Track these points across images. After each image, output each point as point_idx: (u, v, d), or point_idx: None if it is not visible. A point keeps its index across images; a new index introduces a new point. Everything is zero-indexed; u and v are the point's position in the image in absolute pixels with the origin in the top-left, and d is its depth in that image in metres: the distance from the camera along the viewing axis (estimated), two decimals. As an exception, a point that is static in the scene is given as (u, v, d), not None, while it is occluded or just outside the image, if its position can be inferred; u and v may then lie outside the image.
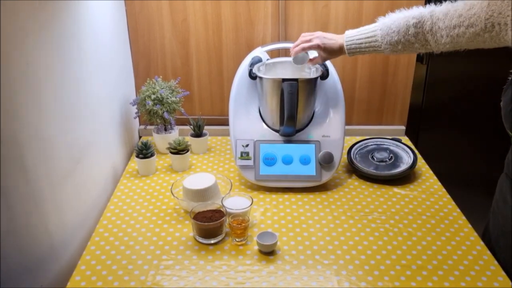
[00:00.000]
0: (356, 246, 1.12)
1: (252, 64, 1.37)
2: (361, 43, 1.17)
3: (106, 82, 1.37)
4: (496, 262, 1.06)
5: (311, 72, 1.38)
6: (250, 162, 1.34)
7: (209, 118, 1.67)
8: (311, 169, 1.34)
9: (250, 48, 1.55)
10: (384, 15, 1.54)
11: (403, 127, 1.72)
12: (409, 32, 1.09)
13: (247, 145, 1.36)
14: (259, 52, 1.43)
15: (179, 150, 1.44)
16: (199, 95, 1.68)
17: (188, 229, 1.18)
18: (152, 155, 1.43)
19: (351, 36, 1.19)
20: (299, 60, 1.28)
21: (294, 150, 1.35)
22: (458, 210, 1.27)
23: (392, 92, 1.67)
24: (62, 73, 1.07)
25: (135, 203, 1.29)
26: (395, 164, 1.43)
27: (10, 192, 0.87)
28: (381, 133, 1.68)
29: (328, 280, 1.02)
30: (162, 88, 1.50)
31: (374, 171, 1.40)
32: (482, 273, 1.03)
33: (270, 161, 1.34)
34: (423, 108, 1.81)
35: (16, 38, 0.87)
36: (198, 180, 1.26)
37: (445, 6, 1.05)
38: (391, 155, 1.46)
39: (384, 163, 1.43)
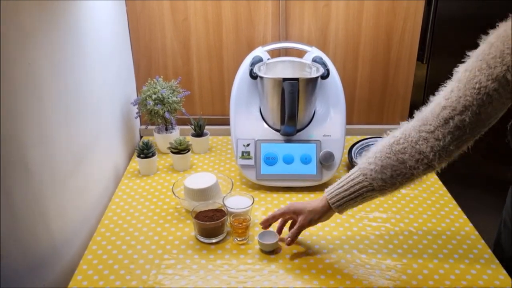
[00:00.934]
0: (357, 245, 1.12)
1: (253, 64, 1.37)
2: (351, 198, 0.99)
3: (107, 82, 1.38)
4: (497, 261, 1.06)
5: (312, 71, 1.38)
6: (251, 162, 1.35)
7: (210, 118, 1.67)
8: (312, 169, 1.34)
9: (250, 48, 1.55)
10: (384, 15, 1.55)
11: (404, 127, 1.72)
12: (394, 150, 0.92)
13: (248, 145, 1.36)
14: (260, 51, 1.44)
15: (180, 150, 1.45)
16: (200, 95, 1.69)
17: (189, 229, 1.18)
18: (153, 155, 1.43)
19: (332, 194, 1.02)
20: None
21: (295, 149, 1.35)
22: (459, 209, 1.27)
23: (392, 91, 1.67)
24: (63, 73, 1.07)
25: (136, 203, 1.30)
26: (395, 163, 1.43)
27: (12, 192, 0.87)
28: (381, 133, 1.66)
29: (329, 279, 1.02)
30: (163, 88, 1.50)
31: (375, 170, 1.40)
32: (483, 271, 1.03)
33: (271, 160, 1.34)
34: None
35: (18, 38, 0.88)
36: (200, 179, 1.26)
37: (416, 119, 0.92)
38: (391, 154, 1.46)
39: (384, 163, 1.43)
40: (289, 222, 1.13)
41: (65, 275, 1.07)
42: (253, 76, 1.36)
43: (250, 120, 1.39)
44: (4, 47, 0.82)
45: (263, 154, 1.35)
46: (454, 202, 1.30)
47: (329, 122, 1.38)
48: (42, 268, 0.99)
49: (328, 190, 1.04)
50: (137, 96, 1.63)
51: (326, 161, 1.33)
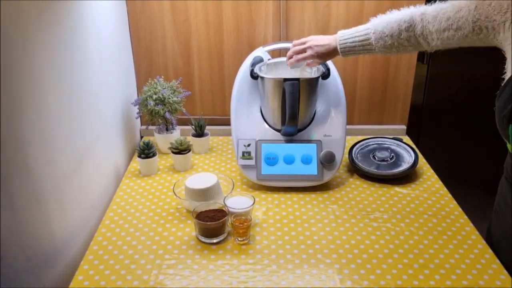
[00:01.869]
0: (358, 245, 1.12)
1: (253, 64, 1.37)
2: (355, 46, 1.19)
3: (108, 82, 1.38)
4: (498, 261, 1.07)
5: (313, 72, 1.38)
6: (252, 162, 1.35)
7: (210, 118, 1.67)
8: (312, 169, 1.34)
9: (251, 48, 1.56)
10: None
11: (404, 127, 1.72)
12: (402, 36, 1.11)
13: (248, 145, 1.36)
14: (261, 52, 1.44)
15: (180, 150, 1.45)
16: (200, 95, 1.69)
17: (190, 229, 1.18)
18: (154, 155, 1.44)
19: (344, 38, 1.20)
20: (296, 66, 1.30)
21: (296, 149, 1.35)
22: (460, 209, 1.27)
23: (393, 91, 1.67)
24: (65, 73, 1.07)
25: (137, 203, 1.30)
26: (396, 164, 1.43)
27: (13, 192, 0.87)
28: (382, 133, 1.68)
29: (330, 279, 1.02)
30: (163, 88, 1.50)
31: (376, 170, 1.40)
32: (484, 272, 1.04)
33: (271, 160, 1.34)
34: (424, 107, 1.82)
35: (20, 39, 0.88)
36: (200, 179, 1.26)
37: (435, 7, 1.07)
38: (392, 154, 1.46)
39: (385, 163, 1.43)
40: None
41: (66, 275, 1.07)
42: (254, 76, 1.36)
43: (250, 120, 1.39)
44: (5, 47, 0.82)
45: (263, 154, 1.35)
46: (454, 202, 1.30)
47: (330, 122, 1.38)
48: (43, 268, 0.99)
49: (342, 41, 1.20)
50: (138, 96, 1.63)
51: (327, 161, 1.33)
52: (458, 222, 1.21)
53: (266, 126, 1.39)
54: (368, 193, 1.34)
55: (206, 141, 1.58)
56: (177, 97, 1.51)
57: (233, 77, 1.47)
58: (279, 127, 1.37)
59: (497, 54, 1.17)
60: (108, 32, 1.38)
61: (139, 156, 1.42)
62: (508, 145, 0.99)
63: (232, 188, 1.28)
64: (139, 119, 1.66)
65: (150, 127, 1.59)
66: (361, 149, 1.51)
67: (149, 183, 1.40)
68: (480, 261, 1.07)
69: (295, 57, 1.27)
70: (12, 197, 0.87)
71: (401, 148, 1.50)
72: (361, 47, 1.18)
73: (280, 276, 1.03)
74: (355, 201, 1.31)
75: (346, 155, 1.48)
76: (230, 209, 1.16)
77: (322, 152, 1.34)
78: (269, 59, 1.43)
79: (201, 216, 1.14)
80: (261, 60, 1.40)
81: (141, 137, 1.72)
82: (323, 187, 1.37)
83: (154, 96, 1.48)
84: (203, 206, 1.17)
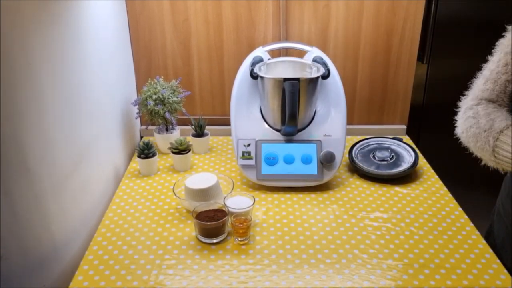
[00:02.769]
0: (358, 245, 1.12)
1: (253, 64, 1.37)
2: None
3: (107, 82, 1.37)
4: (498, 261, 1.06)
5: (313, 71, 1.38)
6: (252, 162, 1.34)
7: (210, 118, 1.67)
8: (312, 169, 1.34)
9: (251, 48, 1.55)
10: (384, 15, 1.55)
11: (404, 127, 1.72)
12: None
13: (248, 145, 1.36)
14: (260, 52, 1.44)
15: (180, 150, 1.44)
16: (200, 95, 1.69)
17: (190, 229, 1.18)
18: (153, 155, 1.43)
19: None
20: None
21: (296, 149, 1.35)
22: (460, 209, 1.27)
23: (393, 91, 1.67)
24: (64, 73, 1.07)
25: (137, 203, 1.30)
26: (396, 163, 1.43)
27: (12, 193, 0.87)
28: (382, 133, 1.68)
29: (330, 279, 1.02)
30: (163, 88, 1.50)
31: (376, 170, 1.40)
32: (484, 271, 1.03)
33: (271, 160, 1.34)
34: (424, 107, 1.81)
35: (18, 38, 0.87)
36: (200, 179, 1.26)
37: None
38: (392, 154, 1.46)
39: (385, 162, 1.43)
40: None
41: (66, 275, 1.07)
42: (254, 76, 1.35)
43: (250, 120, 1.39)
44: (4, 47, 0.82)
45: (263, 154, 1.35)
46: (454, 202, 1.30)
47: (330, 122, 1.38)
48: (42, 269, 0.99)
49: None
50: (137, 96, 1.63)
51: (326, 161, 1.33)
52: (458, 222, 1.21)
53: (266, 126, 1.39)
54: (368, 193, 1.34)
55: (206, 141, 1.58)
56: (177, 97, 1.51)
57: (232, 77, 1.47)
58: (279, 127, 1.37)
59: (497, 54, 1.17)
60: (107, 32, 1.38)
61: (139, 156, 1.42)
62: None
63: (232, 188, 1.28)
64: (138, 119, 1.66)
65: (150, 127, 1.59)
66: (361, 149, 1.51)
67: (148, 183, 1.40)
68: (481, 261, 1.07)
69: None
70: (12, 197, 0.87)
71: (401, 148, 1.50)
72: None
73: (280, 276, 1.03)
74: (355, 201, 1.31)
75: (346, 155, 1.48)
76: (230, 209, 1.16)
77: (322, 152, 1.34)
78: (269, 59, 1.43)
79: (201, 216, 1.14)
80: (261, 60, 1.39)
81: (141, 137, 1.72)
82: (323, 187, 1.36)
83: (154, 96, 1.48)
84: (203, 206, 1.17)
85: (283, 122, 1.33)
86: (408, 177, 1.41)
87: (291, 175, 1.34)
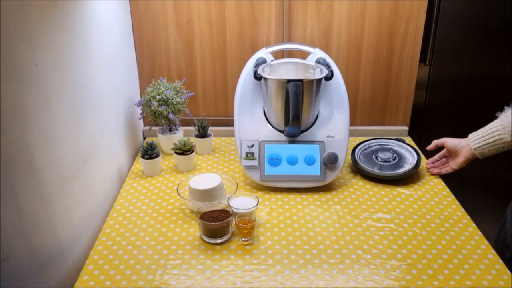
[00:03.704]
0: (362, 246, 1.13)
1: (256, 65, 1.38)
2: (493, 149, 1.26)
3: (112, 83, 1.38)
4: (501, 261, 1.07)
5: (316, 73, 1.39)
6: (255, 163, 1.35)
7: (213, 119, 1.68)
8: (315, 170, 1.34)
9: (254, 49, 1.56)
10: (387, 16, 1.55)
11: (406, 128, 1.73)
12: None
13: (252, 146, 1.36)
14: (264, 53, 1.44)
15: (184, 150, 1.45)
16: (203, 96, 1.69)
17: (194, 229, 1.19)
18: (157, 155, 1.44)
19: (479, 146, 1.28)
20: None
21: (299, 150, 1.36)
22: (463, 209, 1.27)
23: (395, 93, 1.68)
24: (70, 74, 1.08)
25: (141, 204, 1.30)
26: (399, 164, 1.44)
27: (19, 193, 0.88)
28: (384, 134, 1.69)
29: (334, 279, 1.02)
30: (167, 89, 1.51)
31: (378, 171, 1.41)
32: (487, 272, 1.04)
33: (275, 161, 1.35)
34: (426, 108, 1.82)
35: (25, 39, 0.88)
36: (204, 180, 1.27)
37: None
38: (395, 155, 1.47)
39: (388, 163, 1.44)
40: None
41: (71, 275, 1.08)
42: (257, 77, 1.36)
43: (254, 121, 1.40)
44: (11, 49, 0.83)
45: (267, 155, 1.35)
46: (457, 203, 1.31)
47: (333, 123, 1.39)
48: (48, 268, 1.00)
49: (473, 139, 1.29)
50: (141, 97, 1.64)
51: (330, 162, 1.34)
52: (461, 223, 1.21)
53: (270, 127, 1.39)
54: (371, 194, 1.35)
55: (209, 142, 1.59)
56: (180, 98, 1.52)
57: (236, 78, 1.47)
58: (282, 128, 1.37)
59: (499, 56, 1.18)
60: (112, 33, 1.39)
61: (143, 157, 1.43)
62: None
63: (236, 189, 1.29)
64: (142, 120, 1.67)
65: (153, 128, 1.60)
66: (364, 150, 1.52)
67: (152, 183, 1.41)
68: (483, 261, 1.07)
69: (437, 171, 1.42)
70: (17, 197, 0.87)
71: (404, 149, 1.50)
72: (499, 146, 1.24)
73: (285, 276, 1.03)
74: (358, 201, 1.31)
75: (349, 156, 1.48)
76: (234, 210, 1.17)
77: (325, 153, 1.34)
78: (272, 60, 1.43)
79: (205, 217, 1.14)
80: (264, 61, 1.40)
81: (144, 138, 1.73)
82: (326, 188, 1.37)
83: (158, 97, 1.48)
84: (207, 207, 1.18)
85: (286, 123, 1.34)
86: (410, 178, 1.42)
87: (294, 176, 1.34)
